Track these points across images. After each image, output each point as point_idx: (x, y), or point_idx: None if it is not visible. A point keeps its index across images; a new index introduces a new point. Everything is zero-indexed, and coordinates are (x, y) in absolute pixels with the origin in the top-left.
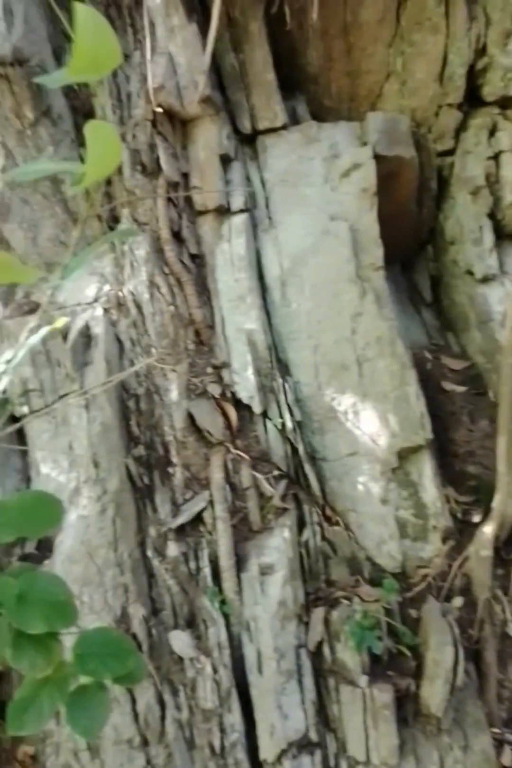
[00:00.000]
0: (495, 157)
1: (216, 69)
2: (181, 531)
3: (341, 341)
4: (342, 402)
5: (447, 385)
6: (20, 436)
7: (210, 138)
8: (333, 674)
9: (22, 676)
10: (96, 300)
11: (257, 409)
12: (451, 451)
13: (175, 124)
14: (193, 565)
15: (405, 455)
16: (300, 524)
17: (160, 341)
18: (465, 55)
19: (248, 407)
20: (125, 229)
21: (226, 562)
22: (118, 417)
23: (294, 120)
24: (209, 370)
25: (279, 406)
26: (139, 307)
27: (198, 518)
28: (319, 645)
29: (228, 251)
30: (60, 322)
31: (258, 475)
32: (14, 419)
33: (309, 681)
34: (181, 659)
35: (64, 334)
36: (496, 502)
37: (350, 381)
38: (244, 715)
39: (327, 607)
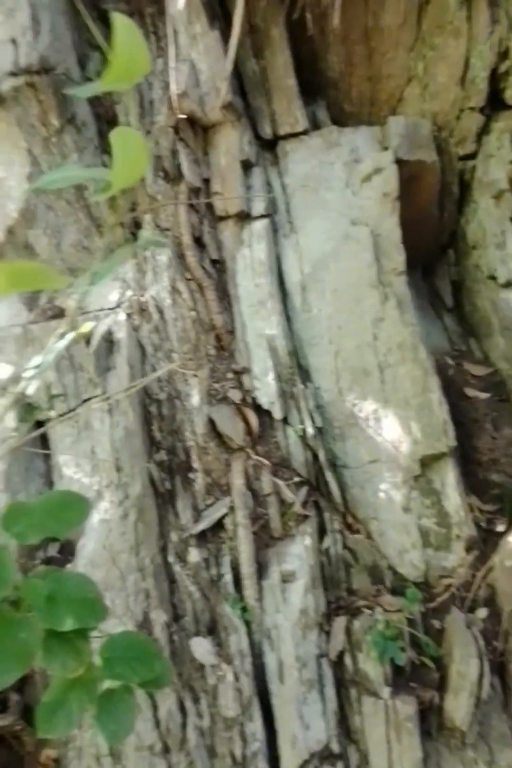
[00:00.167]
0: None
1: (237, 75)
2: (202, 537)
3: (362, 347)
4: (363, 408)
5: (470, 392)
6: (43, 440)
7: (231, 144)
8: (355, 685)
9: (46, 679)
10: (118, 305)
11: (277, 414)
12: (475, 459)
13: (197, 130)
14: (214, 571)
15: (427, 463)
16: (321, 532)
17: (181, 346)
18: (488, 59)
19: (268, 413)
20: (152, 238)
21: (247, 569)
22: (140, 422)
23: (314, 125)
24: (230, 375)
25: (299, 412)
26: (160, 312)
27: (219, 524)
28: (341, 655)
29: (248, 256)
30: (86, 327)
31: (279, 482)
32: (38, 424)
33: (330, 691)
34: (202, 666)
35: (87, 339)
36: None
37: (371, 387)
38: (265, 724)
39: (348, 617)
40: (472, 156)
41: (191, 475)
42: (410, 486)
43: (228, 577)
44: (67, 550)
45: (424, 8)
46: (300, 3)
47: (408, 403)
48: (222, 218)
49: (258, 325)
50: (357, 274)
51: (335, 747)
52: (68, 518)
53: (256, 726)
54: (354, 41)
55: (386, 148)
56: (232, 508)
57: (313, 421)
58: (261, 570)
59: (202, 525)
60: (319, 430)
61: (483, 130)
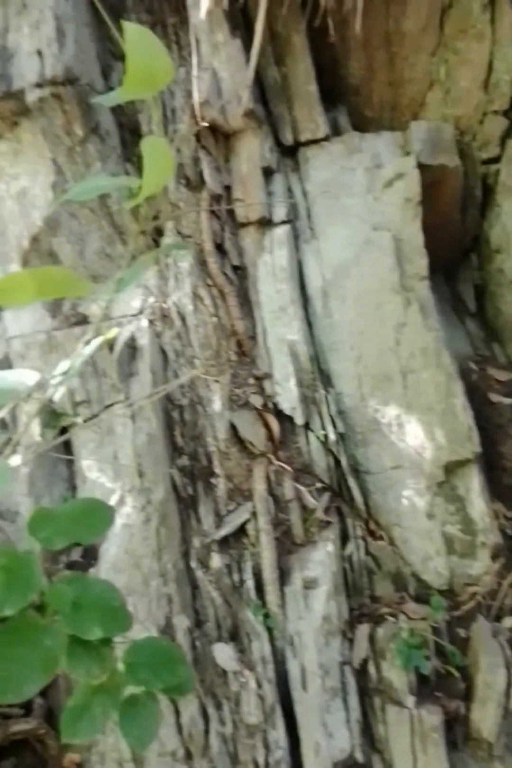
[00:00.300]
0: None
1: (258, 82)
2: (224, 542)
3: (385, 352)
4: (386, 414)
5: (494, 397)
6: (66, 445)
7: (252, 151)
8: (379, 693)
9: (69, 683)
10: (141, 311)
11: (299, 420)
12: (499, 465)
13: (218, 137)
14: (236, 577)
15: (451, 469)
16: (344, 538)
17: (203, 352)
18: (511, 62)
19: (290, 418)
20: (176, 243)
21: (269, 575)
22: (163, 428)
23: (335, 131)
24: (251, 381)
25: (321, 418)
26: (182, 318)
27: (241, 530)
28: (364, 662)
29: (270, 263)
30: (111, 334)
31: (301, 488)
32: (61, 429)
33: (354, 699)
34: (224, 672)
35: (111, 345)
36: None
37: (394, 392)
38: (288, 732)
39: (371, 624)
40: (496, 160)
41: (213, 481)
42: (434, 492)
43: (250, 583)
44: (90, 555)
45: (447, 12)
46: (322, 10)
47: (432, 408)
48: (243, 225)
49: (280, 331)
50: (379, 280)
51: (359, 756)
52: (93, 525)
53: (278, 734)
54: (376, 47)
55: (408, 153)
56: (254, 514)
57: (335, 427)
58: (283, 576)
59: (224, 530)
60: (341, 436)
61: (507, 134)
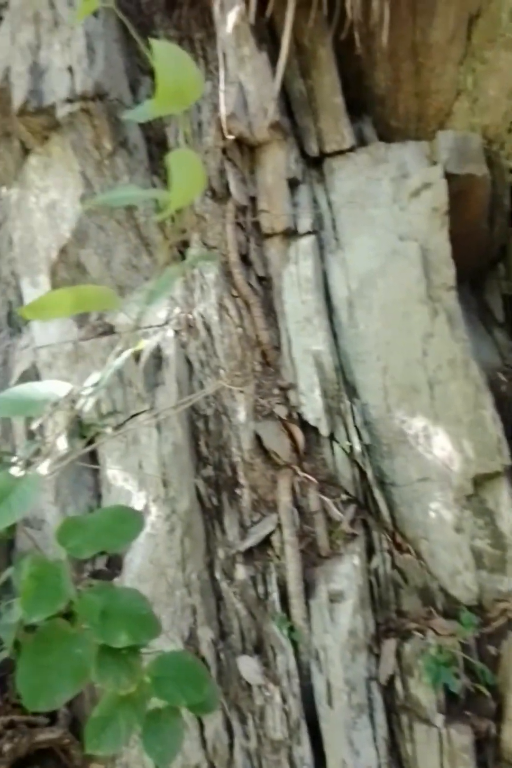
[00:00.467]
0: None
1: (284, 94)
2: (249, 554)
3: (411, 363)
4: (412, 425)
5: None
6: (92, 455)
7: (278, 162)
8: (406, 711)
9: (93, 693)
10: (167, 322)
11: (324, 431)
12: None
13: (244, 149)
14: (261, 589)
15: (480, 482)
16: (370, 551)
17: (228, 363)
18: None
19: (315, 429)
20: (203, 254)
21: (294, 587)
22: (188, 438)
23: (360, 142)
24: (276, 391)
25: (346, 429)
26: (208, 329)
27: (266, 541)
28: (391, 679)
29: (295, 273)
30: (141, 345)
31: (326, 499)
32: (86, 438)
33: (380, 716)
34: (249, 686)
35: (137, 355)
36: None
37: (421, 404)
38: (314, 748)
39: (398, 639)
40: None
41: (238, 491)
42: (462, 505)
43: (275, 596)
44: (115, 564)
45: (474, 22)
46: (348, 23)
47: (460, 420)
48: (268, 235)
49: (305, 341)
50: (406, 290)
51: None
52: (122, 533)
53: (304, 750)
54: (402, 58)
55: (435, 163)
56: (279, 526)
57: (360, 438)
58: (308, 589)
59: (249, 542)
60: (367, 447)
61: None
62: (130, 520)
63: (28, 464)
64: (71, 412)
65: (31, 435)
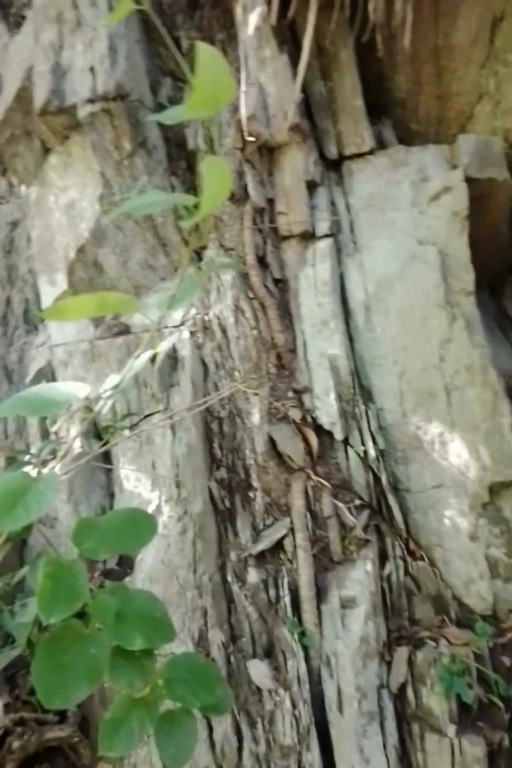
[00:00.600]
0: None
1: (304, 96)
2: (261, 557)
3: (429, 368)
4: (428, 431)
5: None
6: (105, 454)
7: (296, 164)
8: (418, 720)
9: (103, 693)
10: (183, 323)
11: (338, 435)
12: None
13: (262, 151)
14: (272, 593)
15: (496, 490)
16: (382, 557)
17: (243, 365)
18: None
19: (329, 433)
20: (227, 261)
21: (306, 592)
22: (202, 439)
23: (380, 144)
24: (290, 394)
25: (361, 433)
26: (224, 330)
27: (278, 545)
28: (402, 687)
29: (312, 276)
30: (160, 348)
31: (340, 504)
32: (100, 436)
33: (391, 724)
34: (259, 690)
35: (152, 356)
36: None
37: (437, 409)
38: (323, 755)
39: (411, 647)
40: None
41: (251, 494)
42: (477, 513)
43: (286, 600)
44: (126, 563)
45: (498, 25)
46: (370, 25)
47: (477, 427)
48: (285, 238)
49: (320, 345)
50: (424, 294)
51: None
52: (136, 535)
53: (313, 756)
54: (423, 60)
55: (455, 167)
56: (291, 530)
57: (375, 443)
58: (320, 594)
59: (261, 545)
60: (381, 453)
61: None
62: (143, 524)
63: (43, 463)
64: (91, 414)
65: (45, 433)
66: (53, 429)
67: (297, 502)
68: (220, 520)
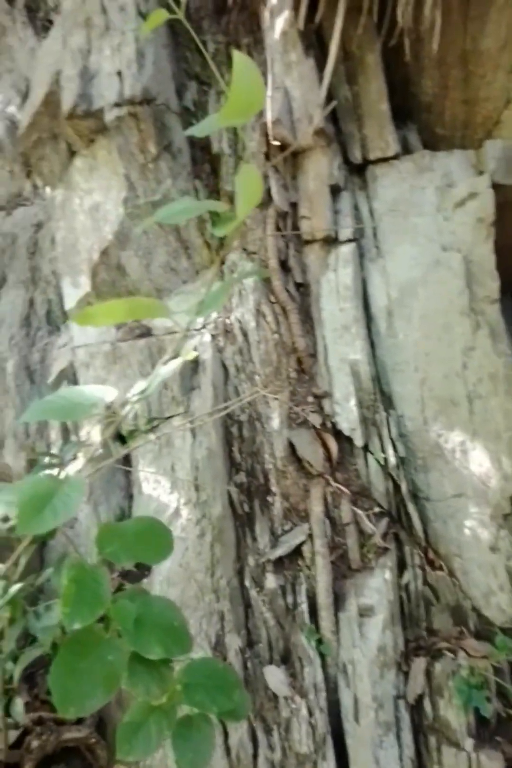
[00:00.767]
0: None
1: (329, 101)
2: (279, 563)
3: (451, 376)
4: (449, 439)
5: None
6: (124, 455)
7: (320, 169)
8: (435, 732)
9: (120, 694)
10: (204, 326)
11: (358, 441)
12: None
13: (286, 155)
14: (290, 599)
15: None
16: (401, 566)
17: (263, 369)
18: None
19: (349, 439)
20: (253, 269)
21: (324, 599)
22: (222, 443)
23: (405, 149)
24: (310, 399)
25: (381, 440)
26: (245, 334)
27: (297, 551)
28: (419, 698)
29: (334, 280)
30: (191, 356)
31: (359, 511)
32: (121, 438)
33: (408, 736)
34: (275, 696)
35: (174, 359)
36: None
37: (459, 418)
38: (338, 764)
39: (428, 658)
40: None
41: (269, 499)
42: (498, 524)
43: (304, 607)
44: (144, 565)
45: None
46: (398, 30)
47: (499, 436)
48: (308, 242)
49: (342, 350)
50: (448, 301)
51: None
52: (157, 547)
53: (329, 766)
54: (451, 65)
55: (481, 173)
56: (310, 536)
57: (396, 450)
58: (337, 601)
59: (280, 551)
60: (401, 460)
61: None
62: (162, 537)
63: (64, 464)
64: (118, 418)
65: (66, 434)
66: (83, 433)
67: (316, 508)
68: (238, 525)
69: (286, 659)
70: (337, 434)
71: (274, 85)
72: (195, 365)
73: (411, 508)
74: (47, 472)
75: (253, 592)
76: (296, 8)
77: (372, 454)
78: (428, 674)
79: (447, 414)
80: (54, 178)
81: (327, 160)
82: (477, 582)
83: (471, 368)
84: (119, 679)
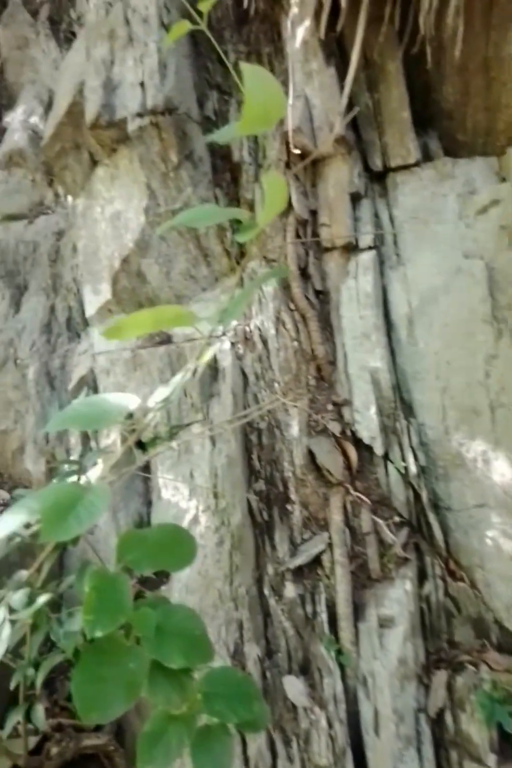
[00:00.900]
0: None
1: (350, 108)
2: (298, 572)
3: (473, 384)
4: (471, 449)
5: None
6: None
7: (341, 176)
8: (456, 747)
9: (138, 701)
10: (224, 333)
11: (379, 450)
12: None
13: (307, 163)
14: (309, 608)
15: None
16: (421, 577)
17: (283, 376)
18: None
19: (369, 448)
20: (276, 270)
21: (343, 609)
22: (241, 450)
23: (425, 156)
24: (330, 407)
25: (401, 449)
26: (264, 341)
27: (316, 560)
28: (441, 712)
29: (354, 288)
30: (206, 357)
31: (379, 521)
32: (140, 445)
33: (428, 750)
34: (294, 707)
35: (194, 367)
36: None
37: (481, 427)
38: None
39: (450, 671)
40: None
41: (289, 507)
42: None
43: (323, 616)
44: (162, 572)
45: None
46: (420, 37)
47: None
48: (328, 249)
49: (361, 357)
50: (470, 309)
51: None
52: (180, 553)
53: None
54: (473, 72)
55: (504, 180)
56: (329, 545)
57: (416, 459)
58: (357, 612)
59: (299, 560)
60: (422, 469)
61: None
62: (186, 543)
63: (84, 471)
64: (142, 425)
65: (85, 440)
66: (103, 439)
67: (336, 517)
68: (257, 533)
69: (305, 669)
70: (357, 442)
71: (295, 94)
72: (214, 372)
73: (431, 517)
74: (69, 479)
75: (271, 601)
76: (317, 17)
77: (392, 462)
78: (449, 687)
79: (469, 423)
80: (76, 187)
81: (347, 168)
82: (500, 594)
83: (493, 377)
84: (140, 687)
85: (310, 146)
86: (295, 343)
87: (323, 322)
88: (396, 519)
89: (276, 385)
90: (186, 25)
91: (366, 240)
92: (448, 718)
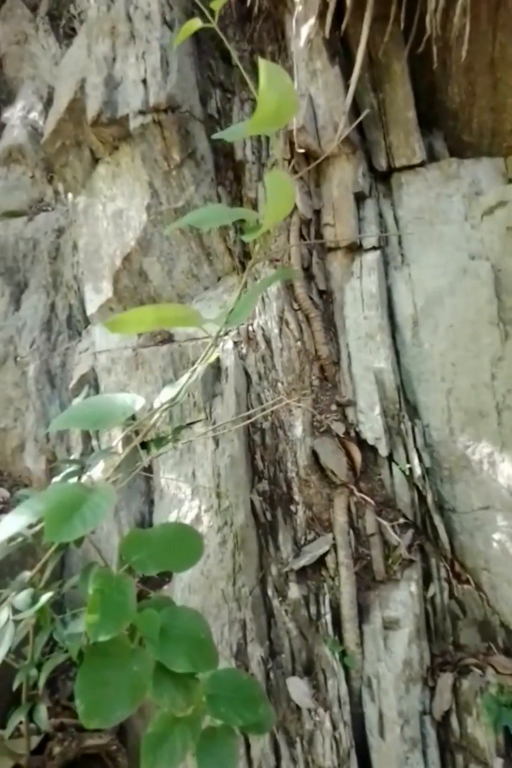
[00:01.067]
0: None
1: (354, 108)
2: (302, 573)
3: (479, 386)
4: (476, 450)
5: None
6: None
7: (345, 176)
8: (462, 750)
9: (143, 703)
10: (226, 333)
11: (383, 451)
12: None
13: (310, 162)
14: (313, 609)
15: None
16: (426, 579)
17: (286, 376)
18: None
19: (373, 449)
20: (284, 270)
21: (348, 611)
22: (245, 450)
23: (430, 156)
24: (333, 407)
25: (406, 450)
26: (268, 341)
27: (320, 561)
28: (446, 715)
29: (358, 288)
30: (212, 358)
31: (384, 522)
32: (144, 445)
33: (434, 753)
34: (298, 708)
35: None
36: None
37: (487, 429)
38: None
39: (455, 674)
40: None
41: (292, 508)
42: None
43: (327, 618)
44: (164, 572)
45: None
46: (426, 37)
47: None
48: (332, 249)
49: (366, 358)
50: (475, 310)
51: None
52: (185, 553)
53: None
54: (478, 72)
55: (510, 181)
56: (333, 546)
57: (421, 461)
58: (362, 613)
59: (303, 561)
60: (427, 471)
61: None
62: (192, 541)
63: (86, 470)
64: (148, 425)
65: (86, 439)
66: (104, 438)
67: (340, 518)
68: (261, 533)
69: (309, 671)
70: (361, 443)
71: (299, 93)
72: (217, 372)
73: (436, 519)
74: (71, 478)
75: (275, 602)
76: (322, 16)
77: (396, 464)
78: (455, 690)
79: (475, 425)
80: (77, 184)
81: (351, 168)
82: (506, 597)
83: (499, 379)
84: (144, 691)
85: (314, 145)
86: (299, 343)
87: (327, 322)
88: (401, 520)
89: (279, 385)
90: (195, 24)
91: (370, 240)
92: (454, 721)
